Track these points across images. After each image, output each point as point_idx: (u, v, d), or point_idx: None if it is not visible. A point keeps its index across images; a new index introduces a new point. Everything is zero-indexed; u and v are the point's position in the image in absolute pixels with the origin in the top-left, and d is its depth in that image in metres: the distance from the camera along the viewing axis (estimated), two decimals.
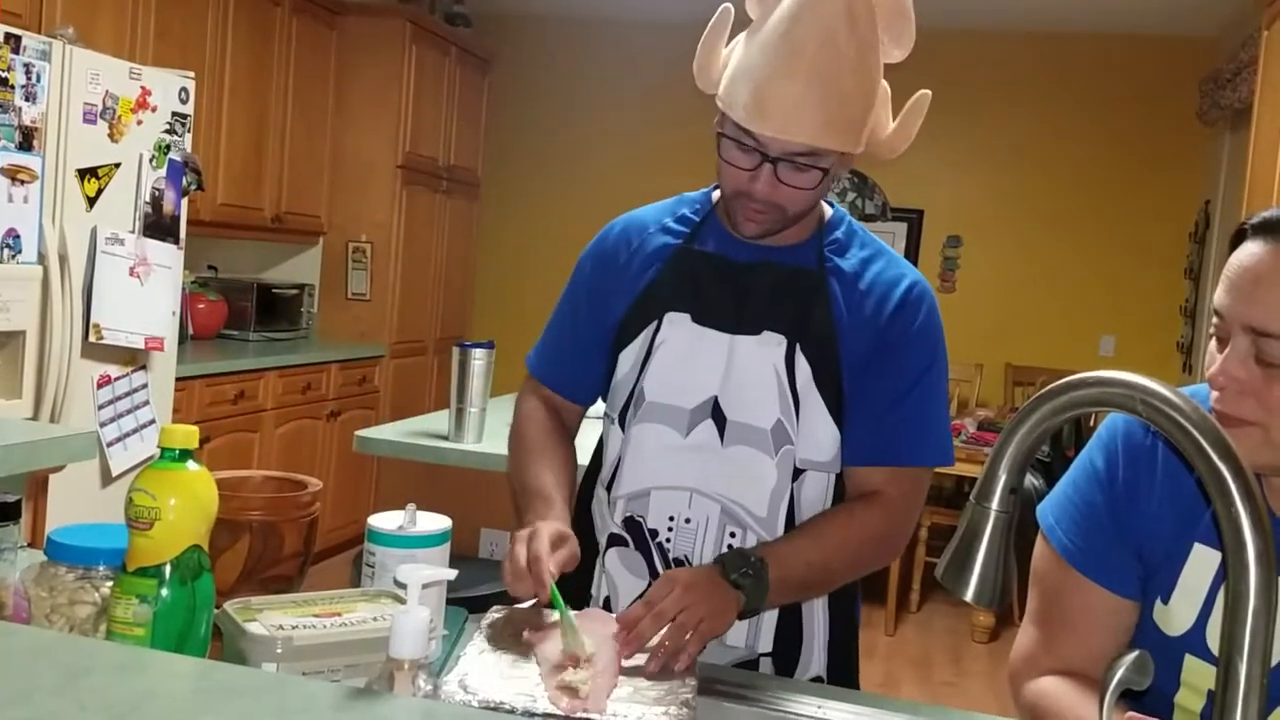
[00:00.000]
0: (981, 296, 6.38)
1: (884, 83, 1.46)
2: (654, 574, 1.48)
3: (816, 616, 1.52)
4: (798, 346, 1.46)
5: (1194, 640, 1.15)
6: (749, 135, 1.38)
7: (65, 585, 1.09)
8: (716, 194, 1.57)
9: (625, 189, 6.80)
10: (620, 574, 1.51)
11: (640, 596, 1.34)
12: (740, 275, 1.50)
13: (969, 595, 0.93)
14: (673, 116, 6.66)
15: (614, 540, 1.52)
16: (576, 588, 1.45)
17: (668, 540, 1.48)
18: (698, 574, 1.33)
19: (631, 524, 1.50)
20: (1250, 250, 1.07)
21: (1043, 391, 0.88)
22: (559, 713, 1.07)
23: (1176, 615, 1.16)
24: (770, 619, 1.48)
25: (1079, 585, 1.21)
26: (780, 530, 1.46)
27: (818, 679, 1.51)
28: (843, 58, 1.35)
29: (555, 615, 1.30)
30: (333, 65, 5.35)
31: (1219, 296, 1.09)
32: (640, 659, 1.22)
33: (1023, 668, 1.26)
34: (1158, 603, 1.18)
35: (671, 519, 1.48)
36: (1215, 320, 1.10)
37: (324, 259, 5.51)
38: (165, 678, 0.90)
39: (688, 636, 1.24)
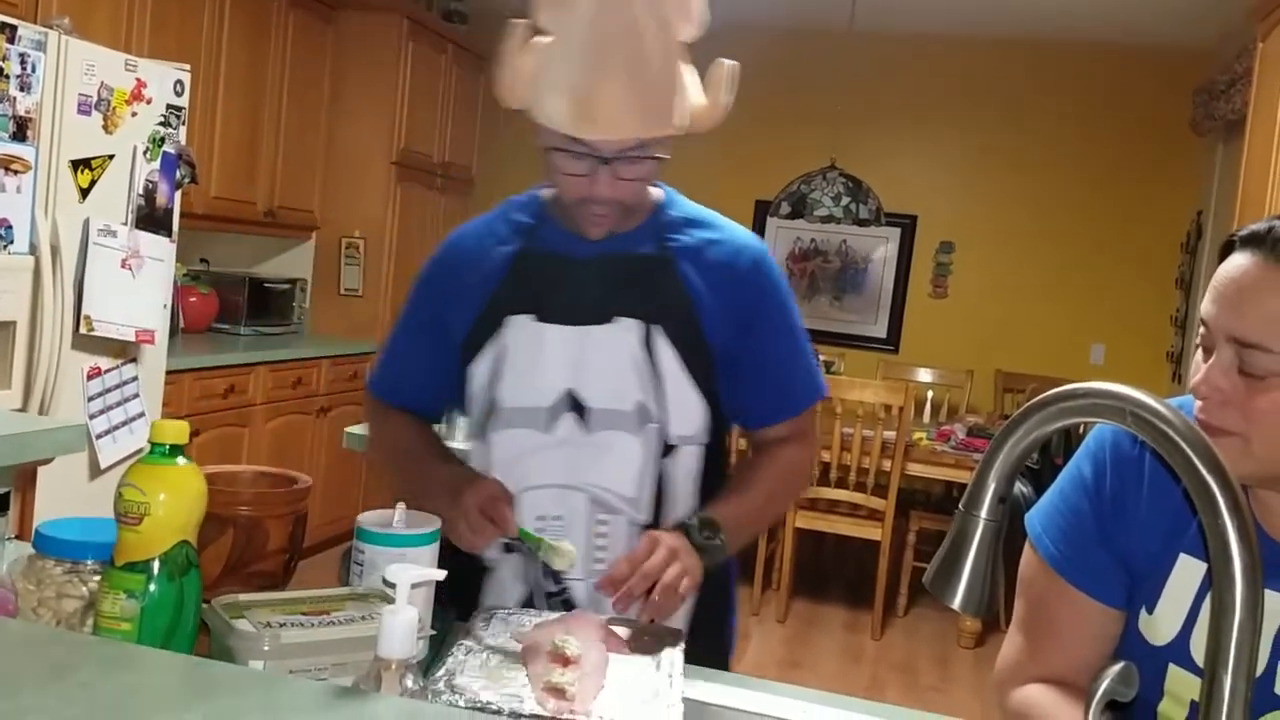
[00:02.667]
0: (973, 303, 6.40)
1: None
2: (530, 578, 1.52)
3: None
4: (655, 329, 1.50)
5: (1178, 650, 1.16)
6: (578, 142, 1.39)
7: (53, 579, 1.09)
8: (545, 193, 1.60)
9: None
10: (509, 581, 1.54)
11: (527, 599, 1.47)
12: (584, 270, 1.52)
13: (956, 603, 0.93)
14: None
15: (505, 549, 1.54)
16: (464, 601, 1.46)
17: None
18: (672, 539, 1.40)
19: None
20: (1237, 262, 1.07)
21: (1032, 402, 0.88)
22: (546, 714, 1.07)
23: (1161, 625, 1.17)
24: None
25: (1065, 594, 1.21)
26: (649, 508, 1.51)
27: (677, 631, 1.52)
28: (648, 45, 1.36)
29: (542, 616, 1.31)
30: (328, 60, 5.34)
31: (1205, 307, 1.10)
32: (631, 659, 1.22)
33: (1008, 675, 1.26)
34: (1143, 612, 1.19)
35: (541, 518, 1.49)
36: (1201, 330, 1.10)
37: (317, 254, 5.49)
38: (151, 673, 0.90)
39: (675, 591, 1.34)
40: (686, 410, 1.51)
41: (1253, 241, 1.07)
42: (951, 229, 6.43)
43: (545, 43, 1.39)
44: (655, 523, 1.51)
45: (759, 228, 6.62)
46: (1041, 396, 0.88)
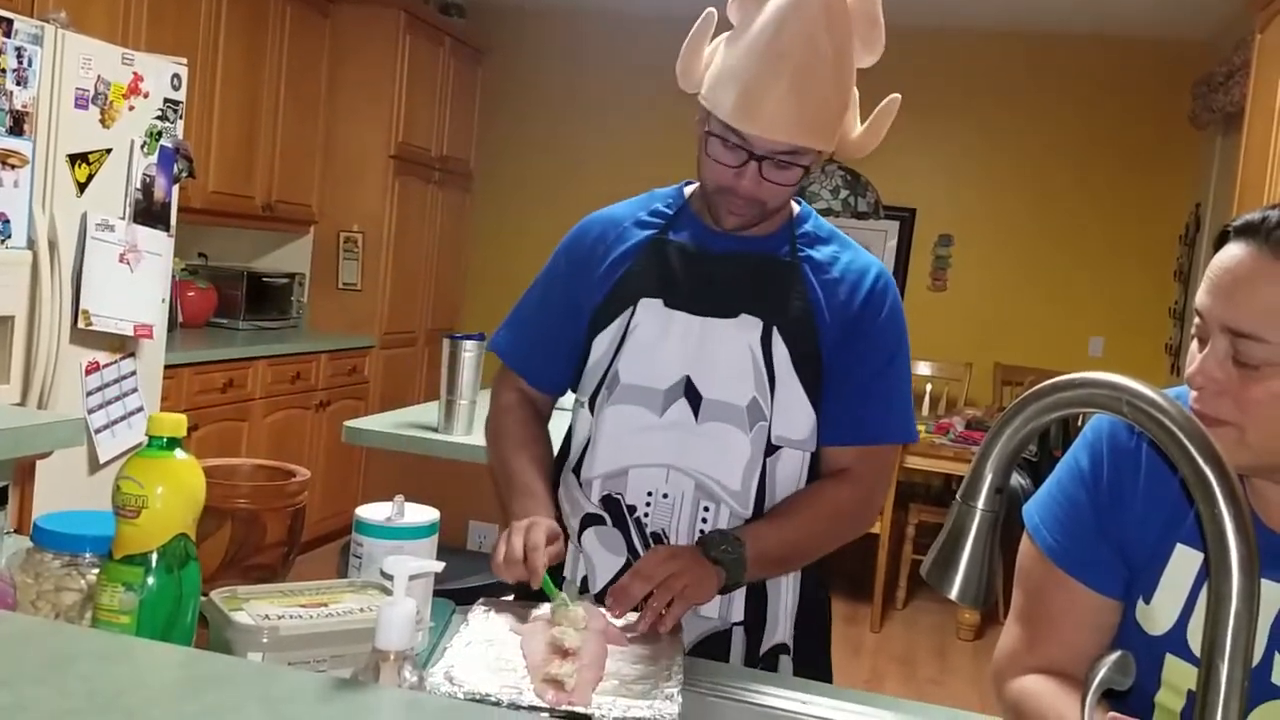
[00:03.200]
0: (972, 296, 6.40)
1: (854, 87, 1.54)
2: (631, 549, 1.53)
3: (784, 586, 1.58)
4: (775, 329, 1.52)
5: (1175, 640, 1.16)
6: (735, 134, 1.44)
7: (51, 572, 1.09)
8: (689, 189, 1.65)
9: (618, 183, 6.78)
10: (598, 552, 1.55)
11: (621, 570, 1.48)
12: (715, 264, 1.56)
13: (954, 594, 0.93)
14: (666, 110, 6.65)
15: (590, 520, 1.56)
16: (552, 570, 1.46)
17: (645, 515, 1.53)
18: (681, 548, 1.43)
19: (609, 502, 1.54)
20: (1231, 252, 1.07)
21: (1029, 392, 0.88)
22: (544, 705, 1.08)
23: (1158, 615, 1.17)
24: (741, 590, 1.53)
25: (1062, 584, 1.22)
26: (752, 503, 1.52)
27: (782, 645, 1.57)
28: (824, 61, 1.42)
29: (541, 609, 1.31)
30: (326, 54, 5.33)
31: (1200, 297, 1.09)
32: (626, 660, 1.23)
33: (1006, 666, 1.26)
34: (1140, 602, 1.19)
35: (650, 494, 1.53)
36: (1197, 321, 1.10)
37: (315, 248, 5.49)
38: (149, 666, 0.90)
39: (672, 599, 1.33)
40: (793, 414, 1.52)
41: (1247, 231, 1.07)
42: (950, 222, 6.43)
43: (730, 34, 1.46)
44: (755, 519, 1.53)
45: None
46: (1038, 387, 0.88)
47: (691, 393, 1.52)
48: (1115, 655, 0.88)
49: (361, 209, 5.44)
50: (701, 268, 1.56)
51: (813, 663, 1.59)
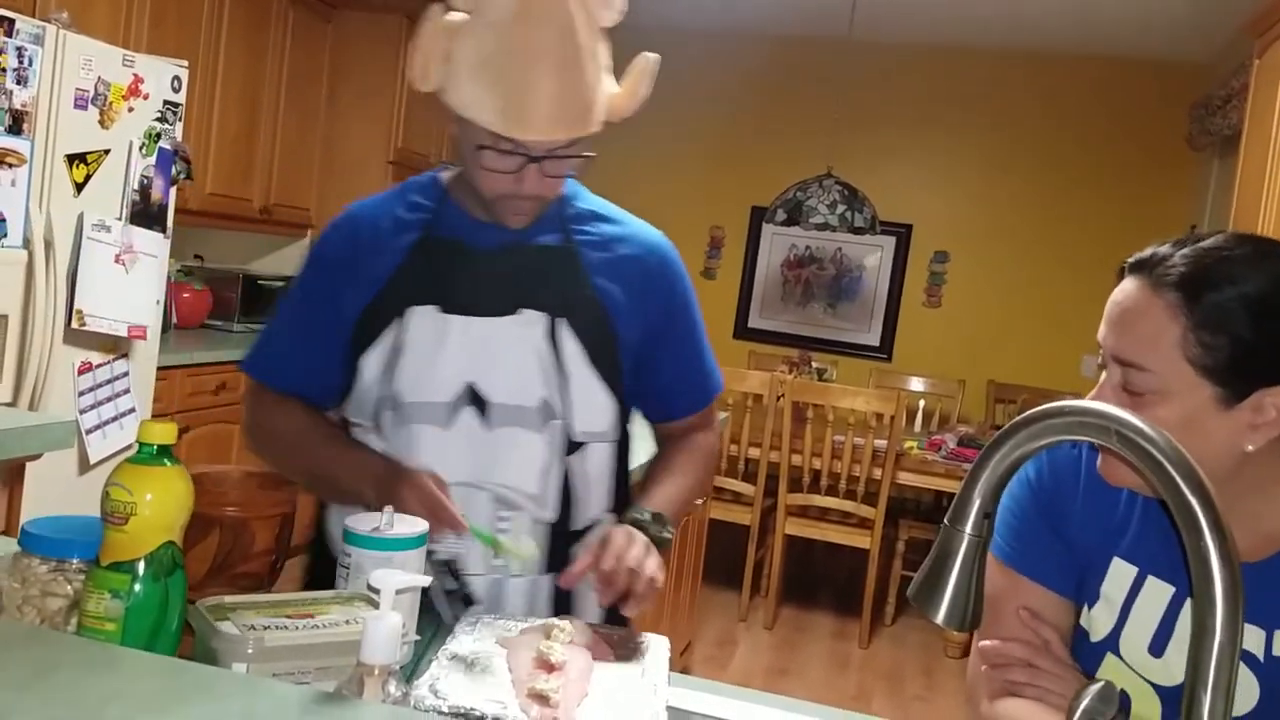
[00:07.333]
0: (966, 312, 6.41)
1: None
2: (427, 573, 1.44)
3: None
4: (561, 323, 1.47)
5: (1112, 645, 1.22)
6: (506, 140, 1.35)
7: (38, 577, 1.08)
8: (446, 176, 1.57)
9: (615, 190, 6.80)
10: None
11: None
12: (488, 261, 1.49)
13: (940, 617, 0.94)
14: (664, 117, 6.67)
15: None
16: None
17: (436, 540, 1.39)
18: (635, 534, 1.41)
19: None
20: (1123, 286, 1.16)
21: (1018, 419, 0.89)
22: None
23: (1097, 623, 1.23)
24: (547, 590, 1.51)
25: (1018, 586, 1.25)
26: (551, 505, 1.48)
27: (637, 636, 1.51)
28: (581, 43, 1.34)
29: (524, 624, 1.31)
30: (327, 58, 5.34)
31: (1100, 329, 1.18)
32: (616, 666, 1.23)
33: (978, 685, 1.29)
34: (1085, 609, 1.25)
35: None
36: (1100, 351, 1.18)
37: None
38: (134, 675, 0.90)
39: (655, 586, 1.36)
40: (592, 407, 1.49)
41: (1136, 268, 1.15)
42: (946, 239, 6.44)
43: (461, 21, 1.35)
44: (563, 520, 1.48)
45: (754, 234, 6.63)
46: (1027, 414, 0.88)
47: (478, 400, 1.45)
48: (1099, 685, 0.89)
49: None
50: (473, 266, 1.48)
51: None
